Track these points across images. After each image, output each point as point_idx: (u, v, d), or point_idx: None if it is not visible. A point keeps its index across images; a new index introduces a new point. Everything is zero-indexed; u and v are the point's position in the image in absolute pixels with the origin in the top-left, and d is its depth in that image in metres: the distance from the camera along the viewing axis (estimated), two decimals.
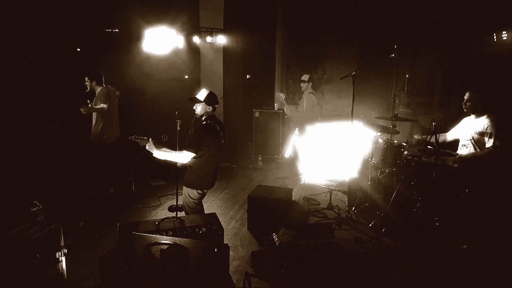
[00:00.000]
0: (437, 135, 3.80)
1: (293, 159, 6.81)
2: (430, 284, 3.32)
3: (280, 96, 6.53)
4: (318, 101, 6.70)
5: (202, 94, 3.69)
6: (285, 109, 6.56)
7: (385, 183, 4.52)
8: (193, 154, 3.55)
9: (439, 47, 7.44)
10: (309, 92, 6.50)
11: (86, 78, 5.24)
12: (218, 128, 3.71)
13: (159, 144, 3.65)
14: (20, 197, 3.50)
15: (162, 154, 3.57)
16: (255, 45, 8.43)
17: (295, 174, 6.68)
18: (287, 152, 6.90)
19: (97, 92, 5.26)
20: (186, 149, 3.56)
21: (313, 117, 6.54)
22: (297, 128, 6.59)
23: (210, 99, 3.69)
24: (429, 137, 3.78)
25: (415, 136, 4.62)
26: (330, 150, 5.90)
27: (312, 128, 6.47)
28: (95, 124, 5.29)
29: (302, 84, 6.58)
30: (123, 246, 2.41)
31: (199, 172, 3.66)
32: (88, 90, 5.27)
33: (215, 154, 3.72)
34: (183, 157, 3.56)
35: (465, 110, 4.17)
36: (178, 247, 2.25)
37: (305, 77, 6.58)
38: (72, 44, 6.11)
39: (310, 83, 6.56)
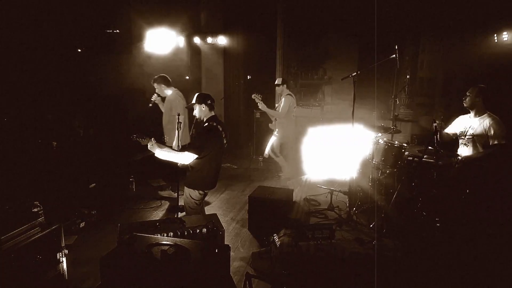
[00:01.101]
0: (439, 135, 3.79)
1: (273, 159, 6.78)
2: (431, 285, 3.31)
3: (256, 97, 6.36)
4: (296, 103, 6.68)
5: (194, 97, 3.75)
6: (260, 105, 6.43)
7: (386, 184, 4.51)
8: (195, 155, 3.55)
9: (440, 48, 7.44)
10: (287, 94, 6.46)
11: (155, 84, 5.28)
12: (220, 129, 3.71)
13: (161, 144, 3.65)
14: (21, 198, 3.50)
15: (164, 154, 3.57)
16: (255, 46, 8.44)
17: (290, 173, 6.69)
18: (266, 152, 6.87)
19: (167, 96, 5.33)
20: (187, 150, 3.56)
21: (289, 118, 6.51)
22: (276, 129, 6.55)
23: (201, 98, 3.71)
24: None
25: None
26: (331, 151, 5.88)
27: (311, 129, 6.45)
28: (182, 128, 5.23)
29: (277, 88, 6.55)
30: (124, 246, 2.41)
31: (200, 173, 3.66)
32: (158, 96, 5.32)
33: (217, 155, 3.72)
34: (185, 157, 3.56)
35: (464, 104, 4.19)
36: (179, 247, 2.25)
37: (279, 80, 6.56)
38: (73, 45, 6.13)
39: (285, 85, 6.51)
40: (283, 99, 6.43)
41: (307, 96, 9.01)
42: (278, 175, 6.87)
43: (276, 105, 6.65)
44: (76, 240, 4.17)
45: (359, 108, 4.64)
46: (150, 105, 5.36)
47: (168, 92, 5.33)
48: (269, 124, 6.81)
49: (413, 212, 4.05)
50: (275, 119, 6.59)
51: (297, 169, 6.84)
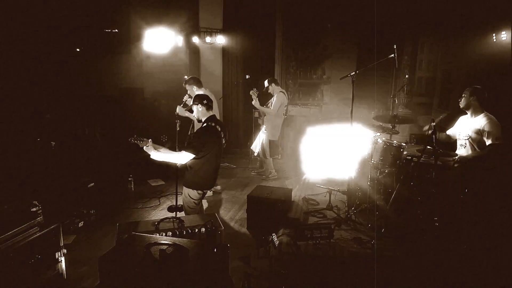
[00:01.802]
0: (437, 134, 3.80)
1: (260, 156, 6.80)
2: (430, 284, 3.32)
3: (253, 93, 6.44)
4: (287, 100, 6.77)
5: (192, 98, 3.78)
6: (254, 102, 6.51)
7: (384, 183, 4.52)
8: (192, 155, 3.54)
9: (438, 47, 7.45)
10: (280, 91, 6.54)
11: (186, 86, 5.36)
12: (219, 129, 3.71)
13: (158, 145, 3.64)
14: (20, 197, 3.50)
15: (159, 155, 3.56)
16: (254, 45, 8.43)
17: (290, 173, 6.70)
18: (253, 147, 6.90)
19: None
20: (185, 150, 3.55)
21: (278, 116, 6.56)
22: (264, 126, 6.59)
23: (197, 98, 3.73)
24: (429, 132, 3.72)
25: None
26: (330, 151, 5.89)
27: (310, 128, 6.49)
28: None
29: (268, 89, 6.57)
30: (123, 246, 2.41)
31: (199, 173, 3.66)
32: (190, 97, 5.32)
33: (216, 155, 3.72)
34: (182, 157, 3.55)
35: (460, 106, 4.22)
36: (178, 247, 2.25)
37: (265, 83, 6.58)
38: (72, 44, 6.12)
39: (273, 83, 6.56)
40: (275, 96, 6.52)
41: (306, 96, 9.01)
42: (263, 177, 6.84)
43: (268, 102, 6.67)
44: (74, 239, 4.16)
45: (358, 108, 4.65)
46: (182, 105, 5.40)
47: (200, 92, 5.35)
48: (259, 120, 6.85)
49: (412, 212, 4.05)
50: (264, 114, 6.66)
51: (296, 168, 6.85)
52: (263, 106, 6.54)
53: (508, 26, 5.65)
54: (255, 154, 6.88)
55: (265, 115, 6.64)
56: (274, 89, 6.56)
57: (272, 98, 6.56)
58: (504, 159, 4.00)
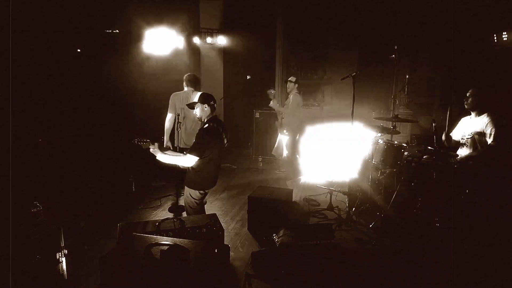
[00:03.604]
0: (439, 135, 3.81)
1: (289, 159, 6.84)
2: (430, 285, 3.31)
3: (270, 94, 6.63)
4: (302, 102, 6.82)
5: (196, 96, 3.74)
6: (271, 103, 6.64)
7: (385, 184, 4.52)
8: (197, 158, 3.55)
9: (439, 47, 7.45)
10: (296, 92, 6.56)
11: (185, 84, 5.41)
12: (220, 130, 3.71)
13: (163, 147, 3.65)
14: (20, 198, 3.50)
15: (165, 158, 3.57)
16: (255, 45, 8.43)
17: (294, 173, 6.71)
18: (274, 152, 7.05)
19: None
20: (189, 153, 3.55)
21: (297, 116, 6.62)
22: (285, 130, 6.68)
23: (204, 98, 3.70)
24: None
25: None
26: (331, 151, 5.89)
27: (310, 129, 6.53)
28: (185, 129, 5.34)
29: (289, 84, 6.59)
30: (124, 246, 2.41)
31: (201, 173, 3.66)
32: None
33: (217, 156, 3.72)
34: (187, 160, 3.56)
35: (466, 106, 4.21)
36: (178, 248, 2.26)
37: (293, 78, 6.63)
38: (72, 45, 6.11)
39: (297, 85, 6.59)
40: (291, 97, 6.51)
41: (306, 96, 9.00)
42: (278, 172, 6.89)
43: (276, 103, 6.72)
44: (75, 240, 4.16)
45: (358, 108, 4.65)
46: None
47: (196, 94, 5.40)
48: (276, 122, 6.89)
49: (413, 212, 4.05)
50: (282, 117, 6.69)
51: (297, 169, 6.85)
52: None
53: (508, 27, 5.65)
54: (282, 156, 6.98)
55: (283, 118, 6.69)
56: (293, 89, 6.56)
57: (288, 99, 6.57)
58: (504, 159, 4.00)
